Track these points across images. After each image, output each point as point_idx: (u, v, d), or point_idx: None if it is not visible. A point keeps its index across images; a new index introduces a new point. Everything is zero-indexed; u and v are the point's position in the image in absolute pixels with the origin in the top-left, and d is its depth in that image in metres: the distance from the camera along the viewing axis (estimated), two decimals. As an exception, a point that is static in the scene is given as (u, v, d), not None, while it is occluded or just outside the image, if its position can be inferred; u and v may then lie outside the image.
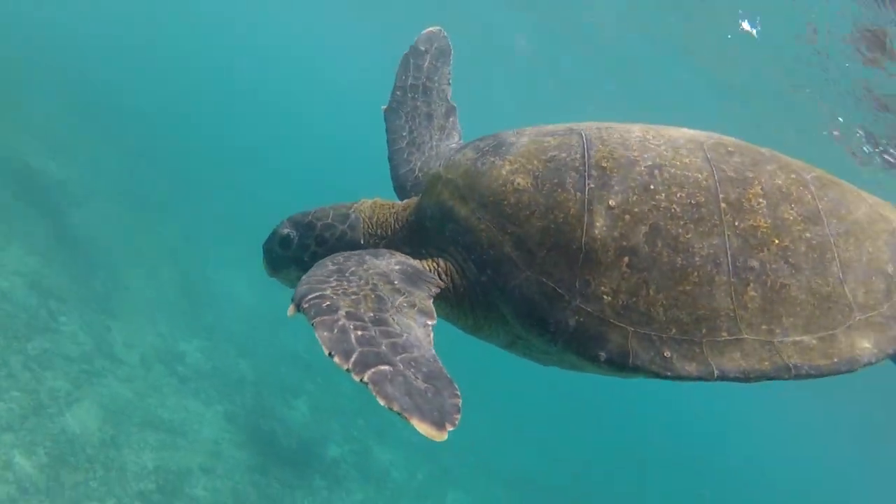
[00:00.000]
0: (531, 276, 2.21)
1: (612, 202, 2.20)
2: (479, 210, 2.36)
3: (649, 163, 2.28)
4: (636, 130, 2.45)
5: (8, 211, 12.61)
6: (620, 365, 2.11)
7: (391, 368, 1.72)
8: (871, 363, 2.22)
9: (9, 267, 11.55)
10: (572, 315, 2.15)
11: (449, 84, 3.48)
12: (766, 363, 2.14)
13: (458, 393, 1.74)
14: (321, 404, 14.66)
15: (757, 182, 2.30)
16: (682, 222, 2.19)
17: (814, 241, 2.27)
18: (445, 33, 3.58)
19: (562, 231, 2.20)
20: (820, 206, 2.34)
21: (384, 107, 3.38)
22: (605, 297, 2.13)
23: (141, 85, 27.82)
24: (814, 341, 2.18)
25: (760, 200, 2.27)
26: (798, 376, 2.16)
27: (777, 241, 2.22)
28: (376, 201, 2.93)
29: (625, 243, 2.15)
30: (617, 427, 21.30)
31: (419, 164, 3.22)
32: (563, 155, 2.34)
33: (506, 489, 16.12)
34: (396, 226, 2.80)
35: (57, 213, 13.64)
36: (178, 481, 10.38)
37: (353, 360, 1.72)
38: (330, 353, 1.74)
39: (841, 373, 2.18)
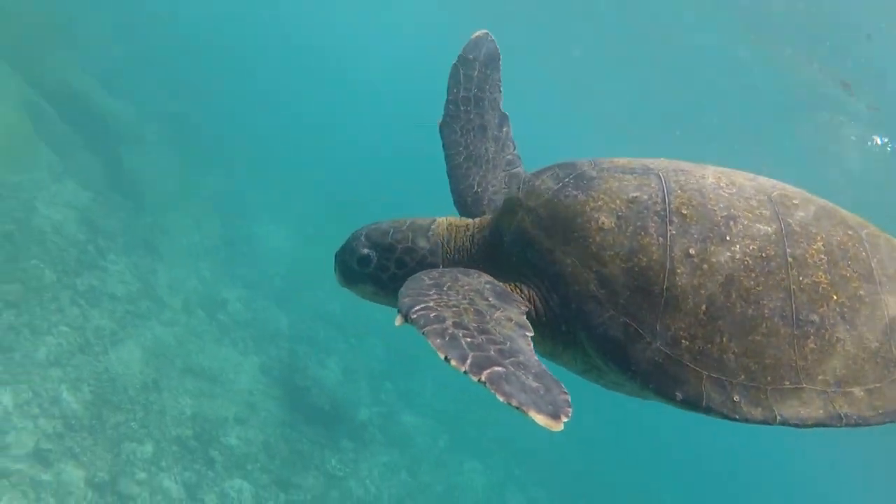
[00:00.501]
0: (615, 315, 2.28)
1: (692, 251, 2.27)
2: (563, 245, 2.40)
3: (725, 213, 2.35)
4: (710, 176, 2.49)
5: (65, 142, 12.61)
6: (695, 406, 2.23)
7: (504, 370, 1.81)
8: None
9: (62, 199, 11.56)
10: (653, 356, 2.24)
11: (500, 91, 3.42)
12: (821, 412, 2.25)
13: (566, 390, 1.82)
14: (352, 365, 14.67)
15: (819, 238, 2.39)
16: (753, 274, 2.27)
17: (867, 299, 2.36)
18: (492, 37, 3.48)
19: (645, 275, 2.27)
20: (873, 265, 2.43)
21: (439, 121, 3.34)
22: (683, 341, 2.23)
23: (204, 22, 27.43)
24: (862, 393, 2.31)
25: (822, 257, 2.36)
26: (847, 425, 2.27)
27: (836, 297, 2.33)
28: (451, 222, 2.88)
29: (703, 292, 2.24)
30: (639, 418, 21.18)
31: (478, 178, 3.22)
32: (645, 197, 2.38)
33: (520, 463, 16.13)
34: (473, 249, 2.79)
35: (112, 150, 13.60)
36: (214, 429, 10.44)
37: (468, 362, 1.81)
38: (446, 358, 1.82)
39: (885, 423, 2.33)
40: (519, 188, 2.67)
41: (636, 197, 2.38)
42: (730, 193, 2.42)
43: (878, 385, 2.33)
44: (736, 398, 2.22)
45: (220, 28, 29.26)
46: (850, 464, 30.99)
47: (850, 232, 2.48)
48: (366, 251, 2.76)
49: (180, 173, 15.23)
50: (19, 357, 8.68)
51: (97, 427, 8.86)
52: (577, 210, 2.41)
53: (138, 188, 13.52)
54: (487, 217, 2.87)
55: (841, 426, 2.28)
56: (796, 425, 2.24)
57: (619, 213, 2.36)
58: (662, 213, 2.34)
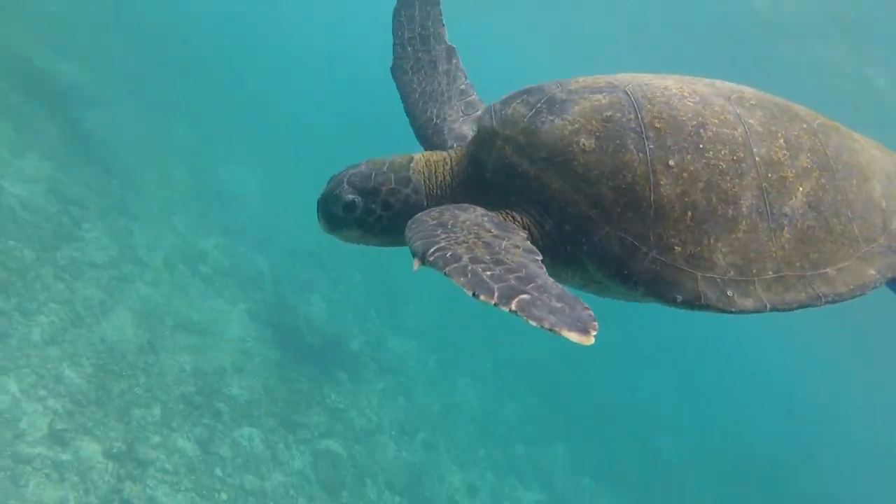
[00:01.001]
0: (611, 231, 2.37)
1: (671, 162, 2.38)
2: (549, 169, 2.46)
3: (694, 122, 2.46)
4: (673, 87, 2.58)
5: (19, 114, 12.16)
6: (693, 305, 2.39)
7: (529, 296, 1.91)
8: (876, 287, 2.66)
9: (26, 173, 11.27)
10: (651, 265, 2.36)
11: (443, 25, 3.48)
12: (803, 294, 2.48)
13: (588, 306, 1.94)
14: (335, 299, 14.86)
15: (780, 135, 2.57)
16: (728, 177, 2.41)
17: (828, 186, 2.59)
18: None
19: (632, 190, 2.36)
20: (829, 153, 2.66)
21: (390, 65, 3.42)
22: (675, 247, 2.36)
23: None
24: (834, 272, 2.55)
25: (785, 152, 2.54)
26: (826, 303, 2.53)
27: (801, 189, 2.53)
28: (429, 158, 2.88)
29: (686, 199, 2.36)
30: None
31: (435, 111, 3.30)
32: (619, 115, 2.45)
33: (508, 373, 16.69)
34: (454, 183, 2.81)
35: (68, 116, 13.15)
36: (215, 381, 10.63)
37: (496, 295, 1.90)
38: (474, 294, 1.91)
39: (856, 297, 2.59)
40: (491, 117, 2.69)
41: (610, 115, 2.45)
42: (694, 102, 2.53)
43: (846, 263, 2.58)
44: (729, 293, 2.39)
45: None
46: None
47: (804, 125, 2.68)
48: (350, 197, 2.73)
49: (143, 131, 14.83)
50: (16, 342, 8.68)
51: (104, 398, 8.98)
52: (556, 134, 2.47)
53: (102, 151, 13.17)
54: (462, 149, 2.91)
55: (821, 305, 2.52)
56: (784, 309, 2.47)
57: (598, 133, 2.43)
58: (638, 128, 2.42)
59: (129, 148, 13.90)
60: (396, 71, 3.41)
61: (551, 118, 2.51)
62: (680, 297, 2.38)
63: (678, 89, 2.57)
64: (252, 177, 17.10)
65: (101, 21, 18.20)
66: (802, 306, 2.50)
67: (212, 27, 27.56)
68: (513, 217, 2.56)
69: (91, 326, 9.81)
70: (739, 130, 2.50)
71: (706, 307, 2.39)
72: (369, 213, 2.73)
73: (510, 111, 2.63)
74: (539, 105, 2.58)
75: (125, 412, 9.04)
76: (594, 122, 2.45)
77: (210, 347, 11.26)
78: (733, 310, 2.40)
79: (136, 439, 8.78)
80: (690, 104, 2.52)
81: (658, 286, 2.38)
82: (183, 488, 8.75)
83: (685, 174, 2.38)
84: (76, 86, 14.05)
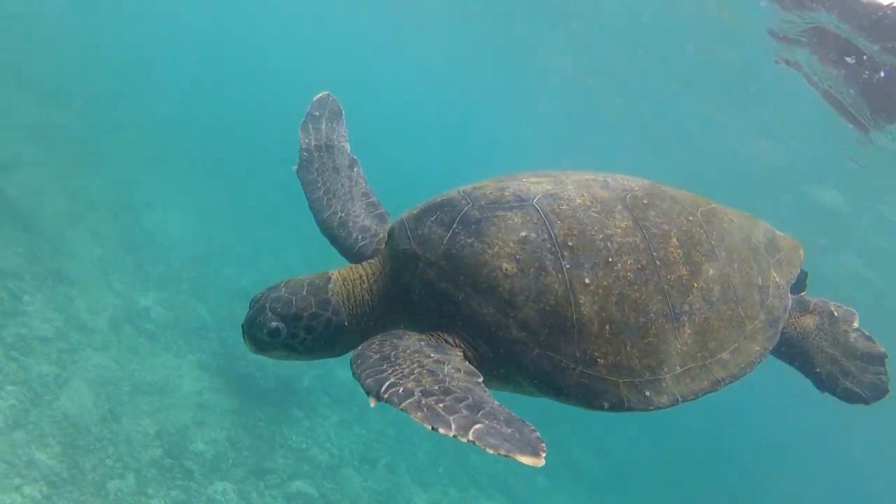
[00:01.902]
0: (541, 353, 2.49)
1: (587, 280, 2.51)
2: (476, 296, 2.53)
3: (601, 236, 2.59)
4: (576, 196, 2.70)
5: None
6: (618, 409, 2.54)
7: (482, 425, 2.00)
8: (762, 360, 2.89)
9: (-45, 252, 10.83)
10: (579, 378, 2.50)
11: (346, 140, 3.73)
12: (705, 382, 2.68)
13: (534, 427, 2.07)
14: (279, 336, 14.82)
15: (673, 233, 2.74)
16: (636, 286, 2.57)
17: (716, 276, 2.79)
18: (334, 97, 3.80)
19: (556, 312, 2.48)
20: (713, 243, 2.86)
21: (294, 167, 3.57)
22: (599, 360, 2.50)
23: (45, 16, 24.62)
24: (728, 356, 2.76)
25: (679, 251, 2.72)
26: (724, 386, 2.74)
27: (696, 285, 2.72)
28: (345, 277, 2.93)
29: (604, 314, 2.50)
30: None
31: (339, 206, 3.45)
32: (534, 235, 2.55)
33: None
34: (374, 301, 2.88)
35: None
36: (180, 440, 10.53)
37: (454, 427, 1.99)
38: (433, 428, 2.00)
39: (747, 374, 2.83)
40: (409, 238, 2.75)
41: (525, 236, 2.55)
42: (597, 212, 2.65)
43: (736, 345, 2.79)
44: (647, 393, 2.54)
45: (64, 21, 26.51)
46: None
47: (690, 217, 2.87)
48: (274, 324, 2.73)
49: (63, 187, 14.32)
50: (-20, 432, 8.42)
51: (78, 476, 8.81)
52: (478, 260, 2.54)
53: (26, 217, 12.68)
54: (375, 265, 2.96)
55: (720, 389, 2.71)
56: (692, 399, 2.64)
57: (518, 257, 2.51)
58: (553, 248, 2.53)
59: (51, 208, 13.43)
60: (302, 172, 3.54)
61: (469, 241, 2.58)
62: (607, 405, 2.52)
63: (581, 198, 2.68)
64: (175, 217, 16.71)
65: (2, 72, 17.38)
66: (706, 393, 2.68)
67: (104, 56, 26.45)
68: (445, 339, 2.64)
69: (51, 403, 9.57)
70: (639, 236, 2.64)
71: (630, 409, 2.54)
72: (294, 336, 2.77)
73: (426, 231, 2.69)
74: (455, 227, 2.64)
75: (101, 486, 8.90)
76: (512, 245, 2.53)
77: (169, 406, 11.13)
78: (651, 408, 2.57)
79: (116, 513, 8.67)
80: (595, 215, 2.63)
81: (586, 396, 2.52)
82: (170, 555, 8.70)
83: (600, 290, 2.51)
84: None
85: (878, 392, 3.19)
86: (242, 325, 2.80)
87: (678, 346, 2.61)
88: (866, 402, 3.20)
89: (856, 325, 3.35)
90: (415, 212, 2.84)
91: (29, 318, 10.68)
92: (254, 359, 13.40)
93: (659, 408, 2.57)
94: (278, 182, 20.83)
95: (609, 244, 2.57)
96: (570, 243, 2.54)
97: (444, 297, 2.59)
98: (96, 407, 10.08)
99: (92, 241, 13.72)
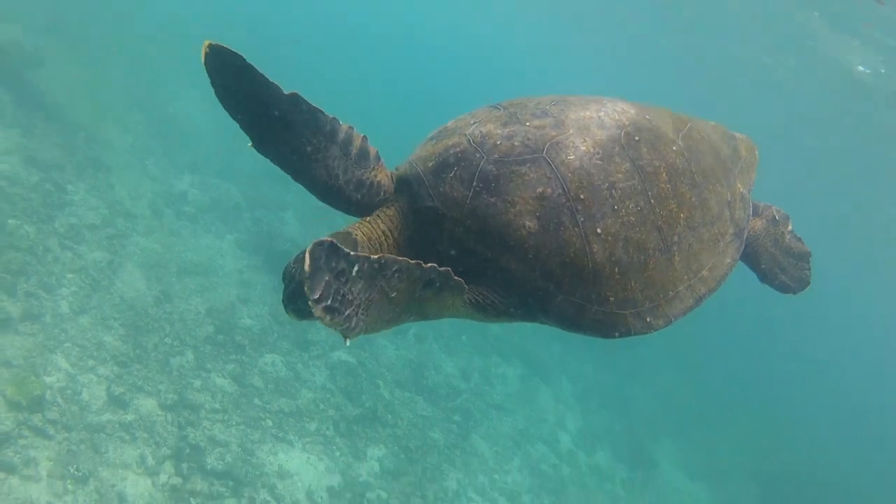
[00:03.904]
0: (564, 298, 2.66)
1: (599, 230, 2.62)
2: (505, 254, 2.61)
3: (606, 185, 2.66)
4: (580, 143, 2.71)
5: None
6: (626, 335, 2.76)
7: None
8: (731, 271, 3.10)
9: (-2, 147, 10.75)
10: (595, 315, 2.69)
11: (273, 84, 2.81)
12: (691, 300, 2.89)
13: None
14: (304, 214, 14.96)
15: (662, 169, 2.82)
16: (637, 228, 2.69)
17: (696, 203, 2.92)
18: (218, 44, 2.74)
19: (575, 263, 2.61)
20: (693, 169, 2.95)
21: (249, 145, 2.98)
22: (610, 298, 2.68)
23: None
24: (707, 272, 2.96)
25: (668, 186, 2.82)
26: (705, 300, 2.95)
27: (682, 215, 2.85)
28: (370, 235, 2.79)
29: (613, 258, 2.64)
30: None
31: (319, 169, 2.93)
32: (549, 191, 2.61)
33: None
34: (401, 253, 2.81)
35: (16, 79, 12.28)
36: (229, 317, 10.88)
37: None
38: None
39: (721, 286, 3.03)
40: (430, 195, 2.73)
41: (541, 192, 2.60)
42: (600, 160, 2.70)
43: (713, 261, 2.99)
44: (648, 319, 2.76)
45: None
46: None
47: (674, 148, 2.93)
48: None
49: (88, 80, 13.96)
50: (49, 319, 8.70)
51: (143, 355, 9.20)
52: (503, 220, 2.59)
53: (59, 109, 12.47)
54: (395, 217, 2.86)
55: (701, 303, 2.93)
56: (680, 318, 2.87)
57: (538, 214, 2.59)
58: (568, 204, 2.60)
59: (81, 100, 13.16)
60: (260, 147, 2.96)
61: (492, 200, 2.62)
62: (617, 334, 2.73)
63: (584, 146, 2.70)
64: (195, 104, 16.45)
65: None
66: (692, 309, 2.90)
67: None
68: (474, 288, 2.68)
69: (108, 288, 9.84)
70: (637, 179, 2.73)
71: (636, 335, 2.77)
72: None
73: (448, 189, 2.69)
74: (475, 184, 2.65)
75: (165, 364, 9.31)
76: (531, 203, 2.59)
77: (214, 285, 11.42)
78: (652, 331, 2.80)
79: (182, 387, 9.11)
80: (599, 163, 2.68)
81: (602, 330, 2.72)
82: (234, 423, 9.23)
83: (610, 238, 2.63)
84: (12, 46, 13.00)
85: (803, 285, 3.65)
86: (283, 301, 2.63)
87: (670, 274, 2.79)
88: (794, 292, 3.64)
89: (790, 227, 3.67)
90: (430, 164, 2.78)
91: (76, 208, 10.76)
92: (290, 236, 13.63)
93: (658, 329, 2.80)
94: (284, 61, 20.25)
95: (613, 192, 2.66)
96: (581, 196, 2.62)
97: (473, 255, 2.66)
98: (149, 289, 10.36)
99: (123, 130, 13.60)
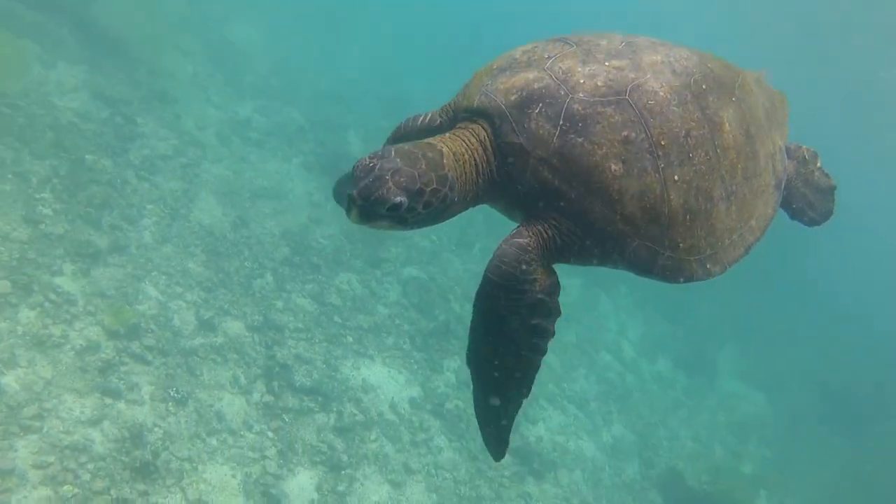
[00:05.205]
0: (640, 242, 2.64)
1: (676, 177, 2.62)
2: (589, 196, 2.57)
3: (683, 132, 2.65)
4: (659, 89, 2.68)
5: (31, 26, 11.21)
6: (689, 281, 2.80)
7: None
8: (772, 221, 3.17)
9: (67, 84, 10.70)
10: (666, 261, 2.70)
11: None
12: (742, 249, 2.94)
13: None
14: (369, 133, 14.73)
15: (725, 119, 2.82)
16: (706, 177, 2.70)
17: (750, 154, 2.94)
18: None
19: (654, 208, 2.60)
20: (748, 119, 2.96)
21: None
22: (680, 244, 2.69)
23: None
24: (754, 222, 3.00)
25: (730, 136, 2.81)
26: (753, 248, 3.02)
27: (740, 165, 2.86)
28: (455, 151, 2.71)
29: (686, 206, 2.66)
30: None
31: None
32: (633, 135, 2.58)
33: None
34: (479, 182, 2.74)
35: (75, 16, 12.09)
36: (303, 238, 10.92)
37: None
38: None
39: (765, 234, 3.08)
40: (514, 130, 2.64)
41: (627, 136, 2.56)
42: (676, 106, 2.67)
43: (760, 212, 3.03)
44: (708, 266, 2.80)
45: None
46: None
47: (733, 98, 2.93)
48: (399, 199, 2.46)
49: (142, 10, 13.71)
50: (135, 249, 8.80)
51: (225, 279, 9.30)
52: (590, 161, 2.54)
53: (118, 43, 12.31)
54: (476, 145, 2.74)
55: (749, 253, 2.99)
56: (735, 265, 2.92)
57: (623, 157, 2.55)
58: (650, 148, 2.58)
59: (139, 32, 12.97)
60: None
61: (580, 140, 2.55)
62: (682, 279, 2.76)
63: (662, 91, 2.67)
64: (254, 30, 16.14)
65: None
66: (742, 258, 2.95)
67: None
68: (536, 227, 2.64)
69: (186, 216, 9.90)
70: (706, 128, 2.73)
71: (696, 280, 2.81)
72: (411, 210, 2.53)
73: (534, 126, 2.60)
74: (562, 123, 2.58)
75: (247, 286, 9.41)
76: (617, 146, 2.55)
77: (286, 208, 11.42)
78: (710, 277, 2.83)
79: (266, 308, 9.23)
80: (675, 109, 2.66)
81: (669, 275, 2.73)
82: (317, 341, 9.35)
83: (684, 185, 2.63)
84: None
85: (827, 216, 3.77)
86: (352, 196, 2.46)
87: (728, 223, 2.82)
88: (819, 224, 3.77)
89: (819, 164, 3.71)
90: (512, 98, 2.67)
91: (147, 139, 10.75)
92: (354, 156, 13.45)
93: (715, 276, 2.85)
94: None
95: (688, 140, 2.66)
96: (662, 142, 2.61)
97: (557, 194, 2.61)
98: (225, 215, 10.40)
99: (183, 59, 13.45)
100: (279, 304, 9.46)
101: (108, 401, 7.00)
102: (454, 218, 2.84)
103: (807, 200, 3.70)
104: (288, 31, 16.87)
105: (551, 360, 12.27)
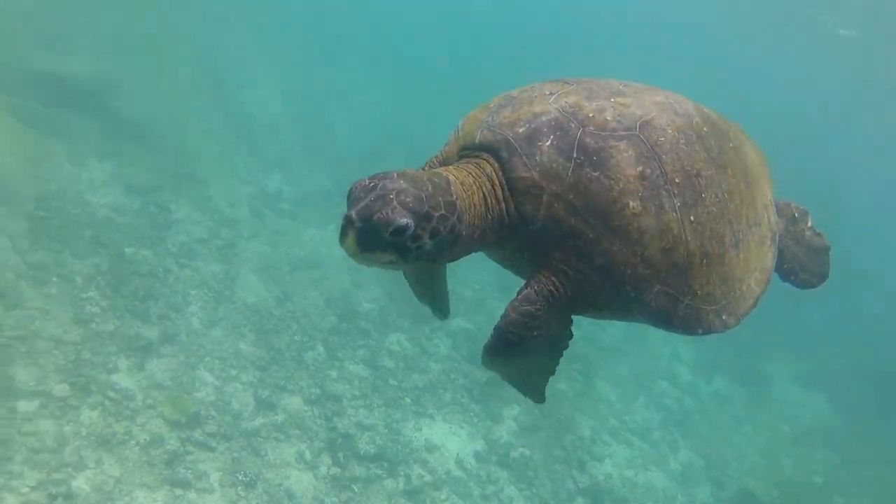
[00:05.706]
0: (661, 289, 2.44)
1: (692, 217, 2.44)
2: (608, 235, 2.36)
3: (695, 171, 2.50)
4: (666, 126, 2.53)
5: (61, 125, 11.47)
6: (707, 333, 2.61)
7: None
8: (772, 275, 3.02)
9: (98, 180, 10.84)
10: (686, 310, 2.50)
11: None
12: (751, 301, 2.77)
13: None
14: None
15: (728, 164, 2.68)
16: (717, 219, 2.53)
17: (751, 202, 2.80)
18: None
19: (674, 249, 2.41)
20: (747, 168, 2.86)
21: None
22: (697, 291, 2.50)
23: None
24: (759, 275, 2.84)
25: (734, 181, 2.67)
26: (760, 301, 2.85)
27: (745, 212, 2.71)
28: (463, 181, 2.45)
29: (702, 249, 2.48)
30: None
31: None
32: (648, 171, 2.40)
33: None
34: (488, 215, 2.46)
35: (98, 108, 12.36)
36: (347, 304, 10.82)
37: None
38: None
39: (768, 284, 2.92)
40: (526, 165, 2.40)
41: (642, 172, 2.39)
42: (685, 146, 2.52)
43: (762, 263, 2.86)
44: (724, 317, 2.62)
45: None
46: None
47: (731, 145, 2.81)
48: (404, 220, 2.15)
49: (160, 92, 13.99)
50: (185, 337, 8.75)
51: (277, 356, 9.21)
52: (608, 198, 2.34)
53: (142, 130, 12.54)
54: (482, 178, 2.49)
55: (758, 306, 2.82)
56: (745, 318, 2.74)
57: (640, 194, 2.36)
58: (666, 186, 2.40)
59: (160, 115, 13.21)
60: None
61: (596, 175, 2.35)
62: (701, 331, 2.57)
63: (671, 129, 2.52)
64: (271, 94, 16.39)
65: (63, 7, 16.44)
66: (752, 310, 2.78)
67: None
68: (544, 274, 2.45)
69: (231, 298, 9.86)
70: (713, 169, 2.57)
71: (713, 332, 2.62)
72: (416, 239, 2.22)
73: (546, 160, 2.38)
74: (576, 156, 2.37)
75: (299, 360, 9.30)
76: (633, 182, 2.36)
77: (326, 276, 11.37)
78: (727, 329, 2.65)
79: (321, 380, 9.10)
80: (684, 148, 2.52)
81: (688, 325, 2.53)
82: (376, 405, 9.17)
83: (699, 227, 2.46)
84: (90, 77, 13.04)
85: (823, 278, 3.57)
86: (349, 217, 2.15)
87: (737, 272, 2.65)
88: (814, 286, 3.57)
89: (810, 223, 3.56)
90: (520, 131, 2.45)
91: (182, 225, 10.82)
92: (382, 216, 13.44)
93: (729, 328, 2.66)
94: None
95: (699, 179, 2.50)
96: (676, 180, 2.44)
97: (573, 234, 2.37)
98: (268, 291, 10.36)
99: (206, 138, 13.60)
100: (333, 373, 9.32)
101: (179, 492, 6.87)
102: (491, 264, 2.70)
103: (798, 260, 3.51)
104: (305, 91, 17.10)
105: (608, 392, 12.01)
